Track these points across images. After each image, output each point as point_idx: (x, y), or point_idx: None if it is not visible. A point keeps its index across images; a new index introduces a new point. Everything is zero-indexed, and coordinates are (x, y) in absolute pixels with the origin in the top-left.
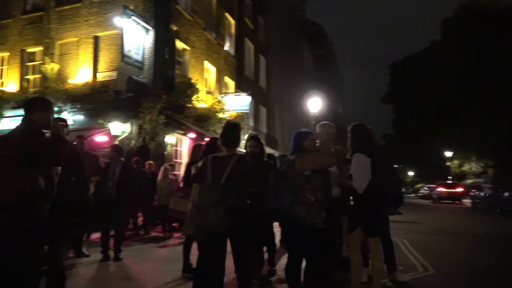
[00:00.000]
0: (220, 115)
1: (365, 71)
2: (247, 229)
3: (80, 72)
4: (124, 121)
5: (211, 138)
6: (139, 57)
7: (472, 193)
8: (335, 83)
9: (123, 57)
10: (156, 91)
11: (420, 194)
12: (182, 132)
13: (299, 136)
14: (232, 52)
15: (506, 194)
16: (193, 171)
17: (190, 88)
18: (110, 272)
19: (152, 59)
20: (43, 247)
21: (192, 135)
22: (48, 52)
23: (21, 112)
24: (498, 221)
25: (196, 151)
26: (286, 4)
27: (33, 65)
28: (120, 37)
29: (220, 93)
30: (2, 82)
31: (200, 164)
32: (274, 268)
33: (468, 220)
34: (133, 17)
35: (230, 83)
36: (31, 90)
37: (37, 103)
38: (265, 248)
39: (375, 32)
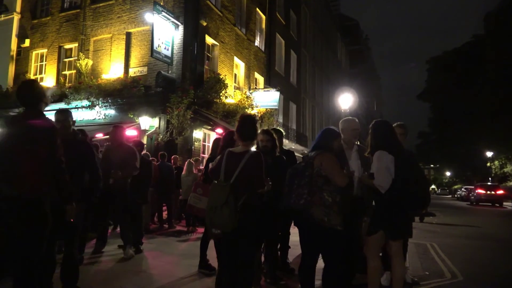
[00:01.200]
0: (249, 110)
1: (402, 68)
2: (260, 229)
3: (112, 68)
4: (153, 116)
5: (228, 131)
6: (168, 53)
7: None
8: (369, 80)
9: (152, 52)
10: (184, 87)
11: (457, 196)
12: (209, 127)
13: (328, 134)
14: (262, 47)
15: None
16: (210, 167)
17: (218, 84)
18: (128, 265)
19: (181, 54)
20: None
21: (220, 130)
22: (83, 48)
23: (58, 106)
24: None
25: (215, 146)
26: None
27: (70, 61)
28: (150, 33)
29: (249, 88)
30: (42, 78)
31: (217, 159)
32: (290, 267)
33: (506, 225)
34: (163, 13)
35: (260, 79)
36: (67, 85)
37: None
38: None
39: (414, 28)
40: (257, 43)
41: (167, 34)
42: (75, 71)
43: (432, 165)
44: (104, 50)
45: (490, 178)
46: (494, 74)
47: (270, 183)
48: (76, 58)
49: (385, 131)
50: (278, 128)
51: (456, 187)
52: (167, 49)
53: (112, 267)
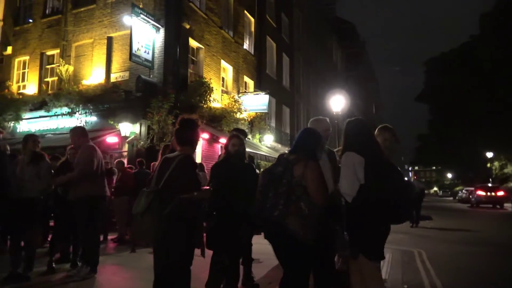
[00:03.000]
0: (237, 115)
1: (401, 70)
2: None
3: (94, 73)
4: (134, 122)
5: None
6: (149, 56)
7: None
8: (367, 82)
9: (131, 56)
10: (165, 91)
11: (458, 198)
12: None
13: (311, 136)
14: (252, 50)
15: None
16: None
17: (202, 88)
18: (83, 284)
19: (162, 58)
20: None
21: (206, 135)
22: (64, 54)
23: (38, 113)
24: None
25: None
26: (314, 2)
27: (52, 68)
28: (130, 36)
29: (238, 92)
30: (24, 85)
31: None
32: (254, 282)
33: (506, 228)
34: (142, 16)
35: (250, 82)
36: (50, 92)
37: None
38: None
39: (412, 30)
40: (246, 46)
41: (147, 37)
42: (57, 78)
43: (434, 167)
44: (85, 55)
45: (490, 180)
46: (490, 73)
47: (210, 189)
48: (58, 64)
49: (357, 130)
50: (242, 128)
51: (457, 188)
52: (148, 53)
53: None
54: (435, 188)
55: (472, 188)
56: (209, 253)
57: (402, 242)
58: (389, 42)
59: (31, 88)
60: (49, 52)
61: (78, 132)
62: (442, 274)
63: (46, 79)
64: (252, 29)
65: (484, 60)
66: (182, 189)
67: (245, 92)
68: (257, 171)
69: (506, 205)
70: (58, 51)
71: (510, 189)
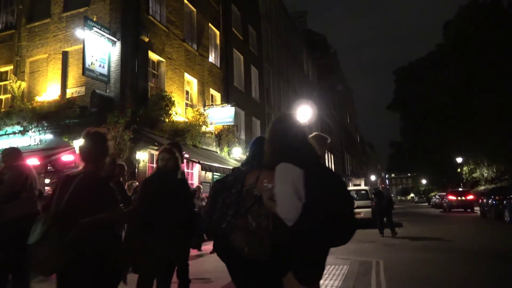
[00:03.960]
0: (203, 128)
1: (374, 79)
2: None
3: (49, 89)
4: None
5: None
6: (104, 70)
7: (481, 201)
8: (341, 92)
9: (84, 70)
10: (123, 105)
11: (432, 203)
12: (156, 147)
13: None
14: (218, 63)
15: None
16: None
17: (162, 101)
18: None
19: (119, 72)
20: None
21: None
22: (18, 71)
23: None
24: (506, 231)
25: None
26: (284, 15)
27: (5, 85)
28: (82, 50)
29: (204, 105)
30: None
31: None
32: None
33: (472, 232)
34: (95, 29)
35: (217, 95)
36: (3, 110)
37: None
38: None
39: (385, 41)
40: (211, 59)
41: (102, 50)
42: (10, 95)
43: (409, 174)
44: (40, 71)
45: (461, 184)
46: (455, 81)
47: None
48: (11, 81)
49: (291, 131)
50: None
51: (432, 194)
52: (103, 67)
53: None
54: (412, 195)
55: (444, 193)
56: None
57: (365, 252)
58: (365, 52)
59: None
60: (2, 69)
61: (8, 153)
62: (394, 285)
63: None
64: (218, 41)
65: (449, 67)
66: (85, 212)
67: (211, 105)
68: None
69: (476, 208)
70: (11, 67)
71: (479, 193)
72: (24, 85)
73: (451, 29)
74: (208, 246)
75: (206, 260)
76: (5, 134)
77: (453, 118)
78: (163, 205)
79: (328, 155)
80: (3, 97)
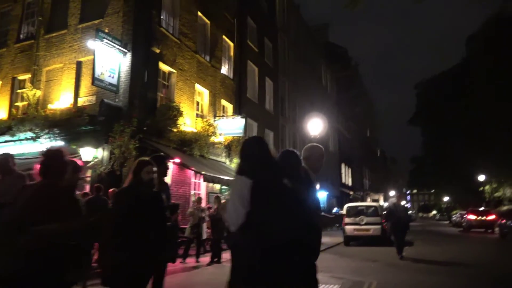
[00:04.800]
0: (212, 139)
1: (398, 92)
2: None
3: (62, 98)
4: (97, 147)
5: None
6: (113, 81)
7: (500, 221)
8: (361, 105)
9: (93, 80)
10: (131, 115)
11: (452, 222)
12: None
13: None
14: (231, 74)
15: None
16: None
17: (170, 111)
18: None
19: (128, 82)
20: None
21: (178, 160)
22: (35, 79)
23: (6, 138)
24: None
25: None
26: (303, 27)
27: (23, 92)
28: (93, 61)
29: (215, 116)
30: None
31: None
32: None
33: (485, 254)
34: (106, 40)
35: (228, 106)
36: (18, 116)
37: None
38: None
39: (410, 52)
40: (224, 70)
41: (113, 61)
42: (27, 102)
43: (433, 190)
44: (55, 80)
45: (484, 203)
46: (478, 95)
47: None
48: (28, 89)
49: (251, 149)
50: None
51: (454, 212)
52: (112, 77)
53: None
54: (434, 212)
55: (465, 212)
56: None
57: (364, 271)
58: (388, 63)
59: (1, 113)
60: (21, 77)
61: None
62: None
63: (16, 104)
64: (232, 53)
65: (475, 84)
66: (38, 221)
67: (222, 115)
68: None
69: (497, 229)
70: (29, 75)
71: (500, 213)
72: (39, 93)
73: (477, 43)
74: (205, 258)
75: (200, 272)
76: (18, 140)
77: (477, 135)
78: (131, 219)
79: (344, 168)
80: (20, 104)
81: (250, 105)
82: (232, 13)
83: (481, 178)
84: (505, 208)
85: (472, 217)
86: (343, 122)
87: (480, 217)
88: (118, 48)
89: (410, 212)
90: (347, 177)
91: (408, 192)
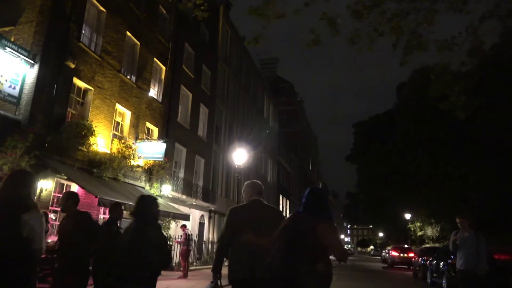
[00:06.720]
0: (129, 162)
1: (341, 131)
2: None
3: None
4: None
5: None
6: (14, 92)
7: (414, 259)
8: (305, 139)
9: None
10: (33, 129)
11: (382, 257)
12: (66, 177)
13: (325, 196)
14: (160, 98)
15: (434, 262)
16: None
17: (81, 130)
18: None
19: (32, 95)
20: None
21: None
22: None
23: None
24: None
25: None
26: (245, 59)
27: None
28: None
29: (137, 138)
30: None
31: None
32: None
33: None
34: (9, 49)
35: (154, 129)
36: None
37: None
38: None
39: (359, 95)
40: (153, 93)
41: (16, 71)
42: None
43: (371, 226)
44: None
45: (409, 241)
46: (401, 141)
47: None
48: None
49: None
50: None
51: (388, 247)
52: (13, 88)
53: None
54: (371, 247)
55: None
56: None
57: None
58: (336, 104)
59: None
60: None
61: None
62: None
63: None
64: (163, 77)
65: (398, 128)
66: None
67: (145, 138)
68: None
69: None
70: None
71: (417, 251)
72: None
73: (404, 91)
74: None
75: None
76: None
77: (399, 175)
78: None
79: (282, 200)
80: None
81: (180, 130)
82: (166, 37)
83: (408, 216)
84: (423, 246)
85: (395, 253)
86: (284, 154)
87: (402, 254)
88: (23, 59)
89: (348, 246)
90: (285, 209)
91: (349, 226)
